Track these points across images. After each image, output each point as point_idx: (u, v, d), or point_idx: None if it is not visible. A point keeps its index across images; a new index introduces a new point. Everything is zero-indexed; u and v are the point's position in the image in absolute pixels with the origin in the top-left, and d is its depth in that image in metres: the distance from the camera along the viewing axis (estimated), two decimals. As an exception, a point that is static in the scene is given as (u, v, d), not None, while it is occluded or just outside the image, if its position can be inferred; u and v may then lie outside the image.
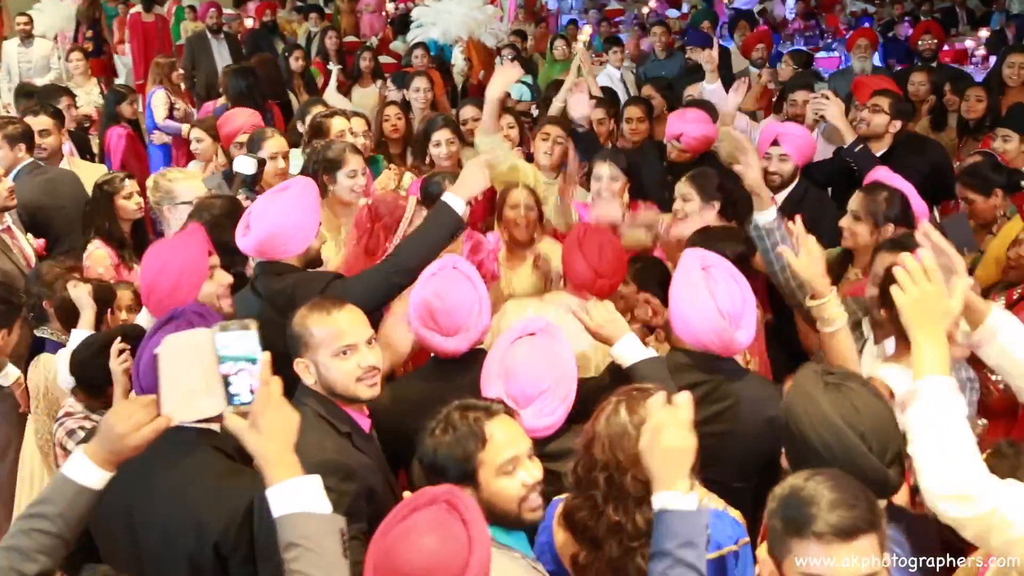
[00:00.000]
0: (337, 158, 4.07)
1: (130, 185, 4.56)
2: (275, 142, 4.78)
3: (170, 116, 7.64)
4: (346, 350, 2.47)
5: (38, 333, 3.80)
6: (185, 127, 7.25)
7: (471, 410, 2.23)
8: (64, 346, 3.65)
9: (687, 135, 4.76)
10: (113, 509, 2.34)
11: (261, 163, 4.57)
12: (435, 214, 3.04)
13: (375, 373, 2.53)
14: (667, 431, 2.01)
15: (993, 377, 3.29)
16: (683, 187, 3.98)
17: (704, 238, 3.38)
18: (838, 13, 14.03)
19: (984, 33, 10.62)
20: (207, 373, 1.96)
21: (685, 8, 14.14)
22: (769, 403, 2.72)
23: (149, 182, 4.67)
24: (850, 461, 2.05)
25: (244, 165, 4.55)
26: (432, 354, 3.02)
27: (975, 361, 2.82)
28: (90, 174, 5.02)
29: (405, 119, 5.85)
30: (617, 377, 2.82)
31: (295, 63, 8.59)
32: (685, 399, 2.08)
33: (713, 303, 2.76)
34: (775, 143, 4.41)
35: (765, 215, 3.40)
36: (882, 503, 2.06)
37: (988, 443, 2.61)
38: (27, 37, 9.62)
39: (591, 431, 2.23)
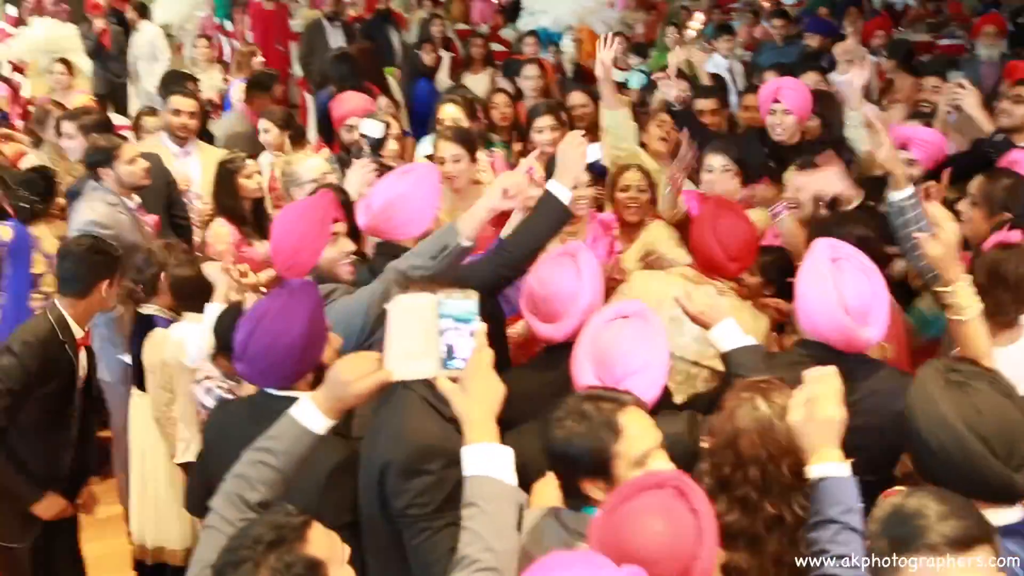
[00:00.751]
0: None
1: (251, 165, 4.71)
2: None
3: None
4: None
5: (143, 310, 3.93)
6: None
7: (602, 401, 2.21)
8: (172, 321, 3.82)
9: (786, 96, 4.65)
10: (217, 462, 2.47)
11: (387, 127, 4.82)
12: (541, 204, 3.01)
13: None
14: (822, 401, 2.07)
15: None
16: (792, 176, 3.93)
17: (828, 222, 3.31)
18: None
19: (1124, 19, 10.02)
20: (428, 336, 2.07)
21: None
22: (900, 395, 2.66)
23: (276, 171, 4.94)
24: (971, 467, 2.01)
25: (372, 128, 4.77)
26: (543, 344, 3.03)
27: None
28: (215, 157, 5.22)
29: (514, 107, 5.94)
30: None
31: (427, 56, 8.81)
32: (834, 371, 2.13)
33: (838, 298, 2.67)
34: (904, 147, 4.22)
35: (899, 193, 3.35)
36: (1015, 511, 2.05)
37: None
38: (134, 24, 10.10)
39: (731, 428, 2.20)
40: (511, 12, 12.02)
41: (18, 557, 3.75)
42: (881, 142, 3.44)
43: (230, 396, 3.49)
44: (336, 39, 9.85)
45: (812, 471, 2.06)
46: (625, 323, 2.66)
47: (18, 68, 9.51)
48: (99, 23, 10.18)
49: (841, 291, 2.69)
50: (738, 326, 2.82)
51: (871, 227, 3.39)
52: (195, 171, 5.47)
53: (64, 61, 8.22)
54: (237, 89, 7.53)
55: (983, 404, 2.06)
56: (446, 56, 9.12)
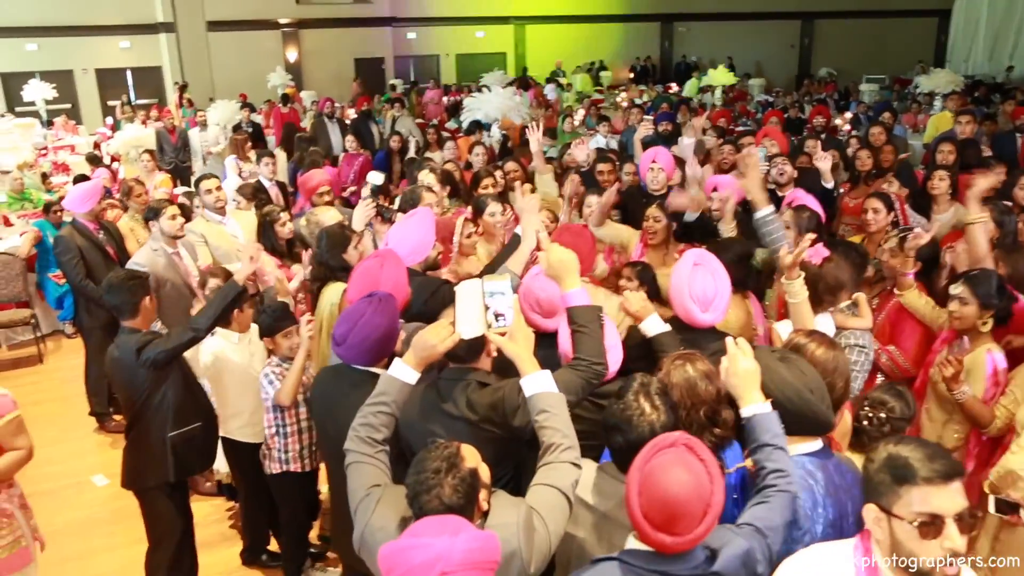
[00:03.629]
0: (417, 199, 4.83)
1: (283, 216, 5.43)
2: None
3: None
4: None
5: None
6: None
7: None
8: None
9: (660, 159, 5.75)
10: (324, 415, 3.07)
11: (388, 178, 5.60)
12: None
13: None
14: (739, 360, 2.29)
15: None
16: (654, 211, 4.78)
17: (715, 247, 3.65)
18: (749, 102, 15.62)
19: None
20: (478, 307, 2.40)
21: (646, 97, 15.89)
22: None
23: (302, 220, 5.39)
24: (808, 409, 2.28)
25: (376, 178, 5.40)
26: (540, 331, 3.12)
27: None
28: (246, 218, 6.17)
29: (461, 173, 7.22)
30: (636, 340, 3.16)
31: (394, 144, 10.12)
32: (744, 341, 2.33)
33: (687, 290, 3.12)
34: (715, 189, 5.03)
35: (762, 211, 4.00)
36: (817, 442, 2.31)
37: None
38: (205, 125, 12.00)
39: (667, 383, 2.41)
40: (453, 111, 13.74)
41: (157, 497, 3.93)
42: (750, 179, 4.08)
43: (281, 374, 3.90)
44: (334, 131, 11.42)
45: (744, 412, 2.23)
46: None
47: (115, 158, 11.39)
48: (170, 123, 11.97)
49: (690, 285, 3.10)
50: (659, 319, 3.07)
51: (733, 252, 3.76)
52: (238, 231, 6.06)
53: (149, 152, 9.58)
54: (231, 162, 9.07)
55: (804, 368, 2.33)
56: (413, 141, 10.15)
